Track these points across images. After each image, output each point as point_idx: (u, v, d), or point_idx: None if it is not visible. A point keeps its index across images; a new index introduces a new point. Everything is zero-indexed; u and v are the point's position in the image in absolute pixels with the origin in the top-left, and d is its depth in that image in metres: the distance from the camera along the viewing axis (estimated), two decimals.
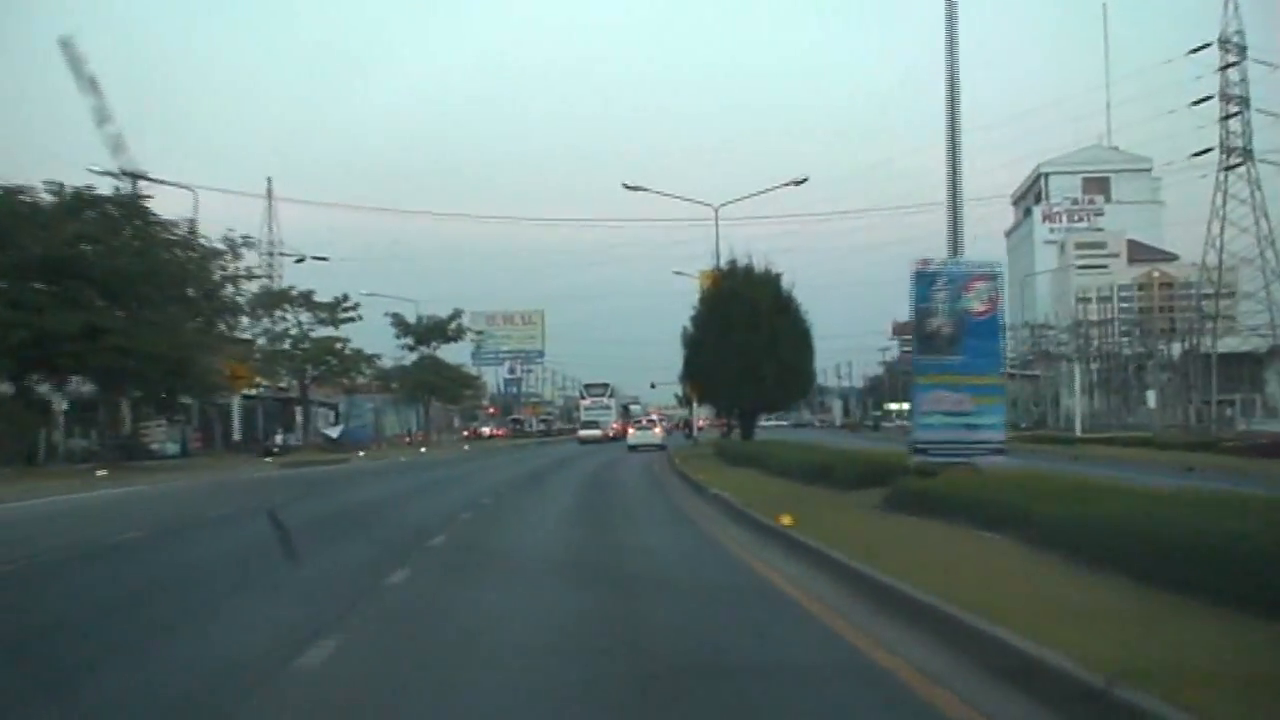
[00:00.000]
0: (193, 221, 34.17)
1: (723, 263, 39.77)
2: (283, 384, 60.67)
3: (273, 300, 53.89)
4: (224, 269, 36.57)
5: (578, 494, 25.08)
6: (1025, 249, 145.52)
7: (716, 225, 45.89)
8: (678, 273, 65.48)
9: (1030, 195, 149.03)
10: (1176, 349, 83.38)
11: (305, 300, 57.38)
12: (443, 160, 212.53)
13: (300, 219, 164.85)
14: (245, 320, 38.77)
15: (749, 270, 38.78)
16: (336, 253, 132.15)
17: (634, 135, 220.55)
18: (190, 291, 33.69)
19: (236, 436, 43.10)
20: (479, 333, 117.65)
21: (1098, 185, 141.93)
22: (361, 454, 49.93)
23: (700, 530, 16.16)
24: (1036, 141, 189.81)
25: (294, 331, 56.91)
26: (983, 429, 16.83)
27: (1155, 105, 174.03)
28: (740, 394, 37.65)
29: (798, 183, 46.24)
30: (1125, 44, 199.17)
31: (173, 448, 56.38)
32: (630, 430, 64.19)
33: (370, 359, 61.04)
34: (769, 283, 38.58)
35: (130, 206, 31.66)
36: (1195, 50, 77.79)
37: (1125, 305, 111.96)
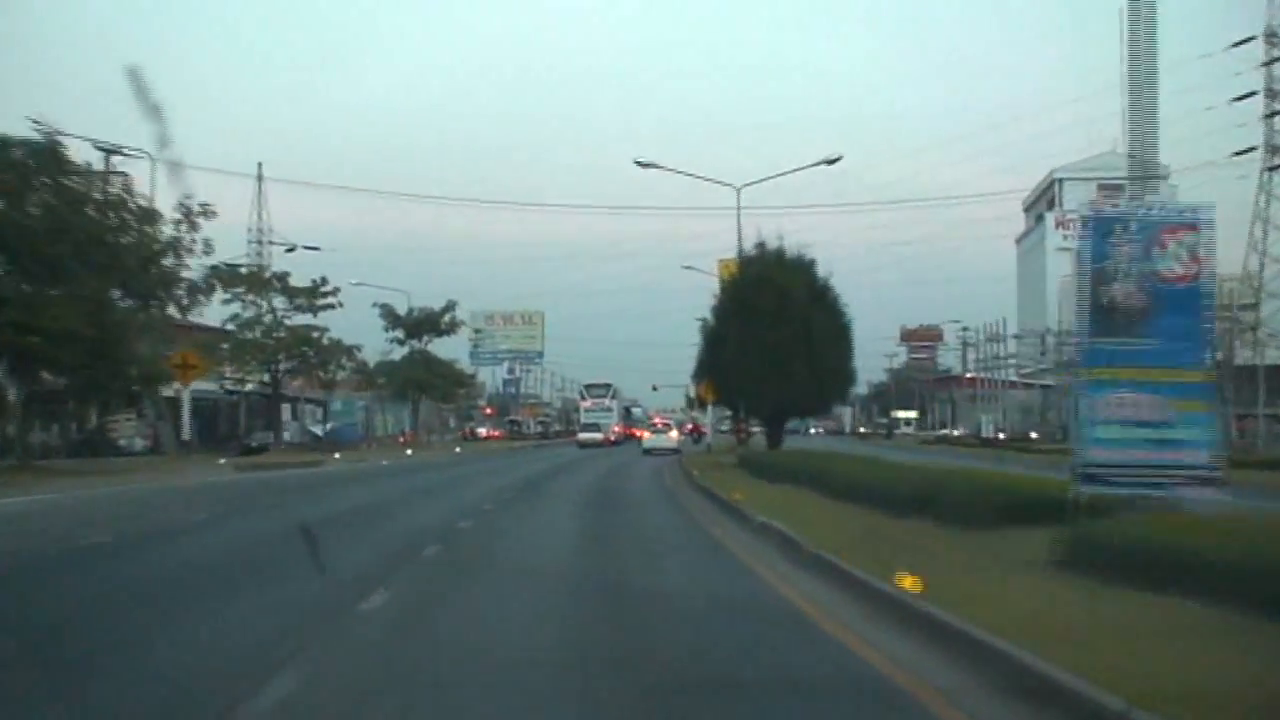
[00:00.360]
0: (126, 176, 28.45)
1: (749, 246, 34.15)
2: (265, 377, 54.83)
3: (245, 280, 47.43)
4: (178, 239, 30.68)
5: (581, 515, 19.57)
6: (1037, 256, 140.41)
7: (738, 208, 40.20)
8: (687, 267, 59.67)
9: (1043, 201, 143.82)
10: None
11: (281, 283, 51.26)
12: (446, 152, 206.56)
13: (296, 214, 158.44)
14: (203, 300, 32.83)
15: (779, 254, 33.21)
16: (332, 245, 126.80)
17: (650, 124, 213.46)
18: (128, 262, 27.87)
19: (186, 435, 37.50)
20: (477, 331, 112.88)
21: (1113, 192, 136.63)
22: (338, 455, 44.07)
23: (778, 599, 10.49)
24: (1047, 144, 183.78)
25: (266, 318, 50.51)
26: (1185, 446, 11.29)
27: (1171, 109, 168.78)
28: (767, 395, 32.00)
29: (830, 162, 40.61)
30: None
31: (141, 444, 50.84)
32: (645, 434, 62.39)
33: (351, 350, 54.70)
34: (802, 269, 33.05)
35: (44, 155, 25.88)
36: (1239, 44, 72.44)
37: None
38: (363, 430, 76.60)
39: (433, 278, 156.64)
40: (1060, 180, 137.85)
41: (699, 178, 45.20)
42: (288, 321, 49.41)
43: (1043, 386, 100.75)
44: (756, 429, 45.66)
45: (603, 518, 19.35)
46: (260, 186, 75.42)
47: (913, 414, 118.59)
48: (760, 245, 33.47)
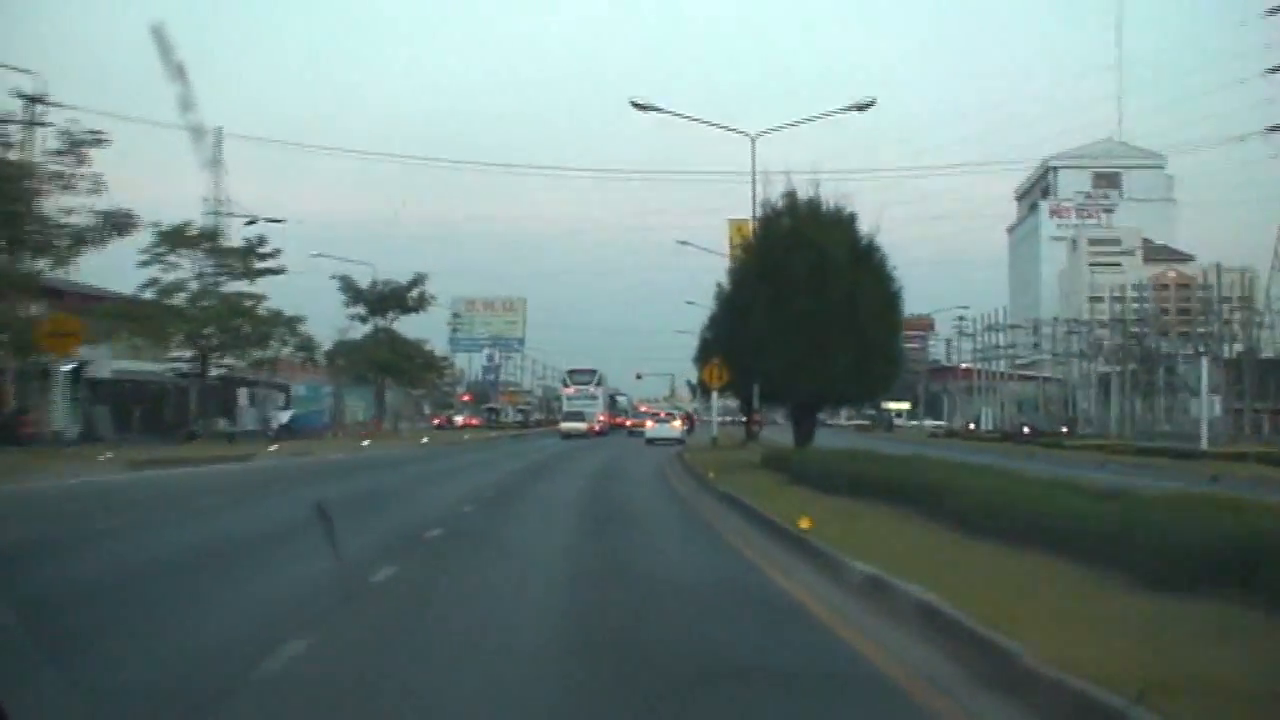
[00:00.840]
0: None
1: (776, 197, 26.92)
2: (236, 359, 46.54)
3: (166, 236, 38.68)
4: (61, 176, 23.21)
5: (575, 552, 12.54)
6: (1030, 245, 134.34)
7: (753, 160, 33.27)
8: (682, 243, 52.36)
9: (1036, 190, 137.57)
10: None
11: (210, 243, 42.04)
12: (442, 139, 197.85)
13: (263, 193, 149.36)
14: (91, 250, 25.20)
15: (814, 206, 26.13)
16: (305, 227, 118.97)
17: (655, 69, 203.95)
18: None
19: (58, 425, 29.99)
20: (456, 315, 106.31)
21: (1108, 181, 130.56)
22: (274, 448, 36.38)
23: None
24: (1040, 129, 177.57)
25: (193, 284, 41.07)
26: None
27: (1167, 93, 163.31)
28: (801, 380, 24.86)
29: (862, 107, 33.65)
30: (1135, 29, 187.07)
31: (73, 430, 43.33)
32: (648, 424, 59.33)
33: (292, 322, 45.09)
34: (841, 224, 26.00)
35: None
36: (1274, 11, 66.08)
37: (1144, 306, 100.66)
38: (329, 418, 69.33)
39: (412, 261, 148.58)
40: (1055, 169, 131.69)
41: (707, 123, 37.96)
42: (219, 288, 40.84)
43: (1044, 379, 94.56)
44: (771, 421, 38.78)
45: (605, 558, 12.20)
46: (219, 152, 67.56)
47: (904, 405, 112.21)
48: (790, 195, 26.33)
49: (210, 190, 59.24)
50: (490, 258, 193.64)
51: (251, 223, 50.06)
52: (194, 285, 40.34)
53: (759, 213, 28.14)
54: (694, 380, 56.14)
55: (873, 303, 25.05)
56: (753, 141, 33.84)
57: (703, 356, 35.77)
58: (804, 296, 24.34)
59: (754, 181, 32.01)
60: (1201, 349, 65.00)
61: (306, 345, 46.06)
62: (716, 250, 46.24)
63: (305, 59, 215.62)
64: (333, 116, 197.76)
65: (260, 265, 42.05)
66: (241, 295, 41.30)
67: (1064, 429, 65.37)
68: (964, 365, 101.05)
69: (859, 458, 18.66)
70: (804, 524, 12.83)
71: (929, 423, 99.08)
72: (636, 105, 34.04)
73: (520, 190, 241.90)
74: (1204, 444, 38.35)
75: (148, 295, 39.04)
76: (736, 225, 35.41)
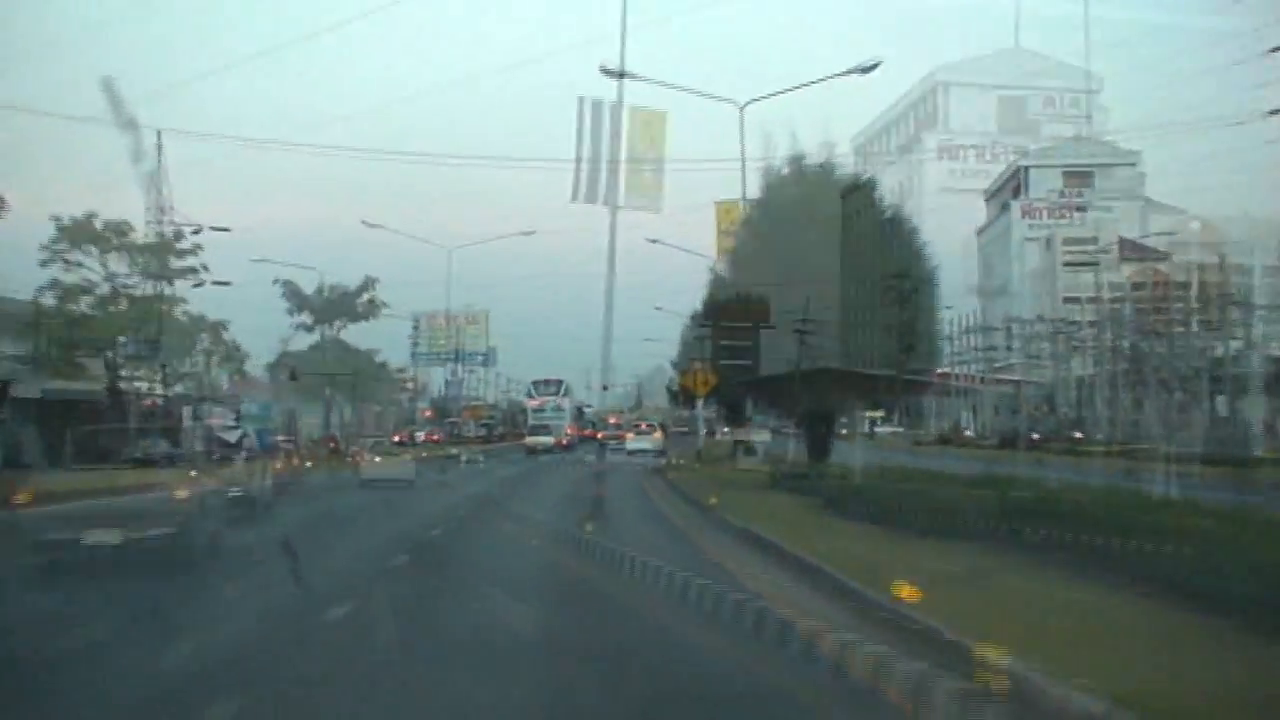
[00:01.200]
0: None
1: (779, 162, 22.27)
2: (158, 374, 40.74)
3: (67, 231, 32.83)
4: None
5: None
6: (1001, 246, 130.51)
7: (742, 132, 28.61)
8: (653, 241, 47.34)
9: (1007, 190, 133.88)
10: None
11: (119, 237, 35.09)
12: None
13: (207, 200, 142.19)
14: None
15: (828, 171, 21.52)
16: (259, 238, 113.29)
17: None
18: None
19: None
20: (415, 328, 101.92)
21: (1080, 179, 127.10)
22: (194, 473, 30.84)
23: None
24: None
25: (102, 288, 34.76)
26: None
27: (1140, 82, 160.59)
28: (818, 380, 20.13)
29: (865, 70, 29.06)
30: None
31: None
32: (629, 435, 57.03)
33: (218, 327, 39.00)
34: (861, 192, 21.41)
35: None
36: None
37: (1133, 305, 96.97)
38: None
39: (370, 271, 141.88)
40: (1026, 168, 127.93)
41: (691, 91, 33.12)
42: (132, 292, 34.77)
43: (1023, 382, 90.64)
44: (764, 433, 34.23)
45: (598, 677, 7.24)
46: (160, 158, 61.98)
47: (879, 413, 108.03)
48: (797, 161, 21.69)
49: (152, 198, 53.86)
50: (451, 266, 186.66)
51: (196, 232, 44.89)
52: (103, 288, 34.63)
53: (761, 183, 23.46)
54: (673, 386, 51.22)
55: (902, 283, 20.45)
56: (741, 111, 29.22)
57: (686, 360, 31.04)
58: (820, 279, 19.72)
59: (743, 154, 27.37)
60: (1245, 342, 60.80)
61: (232, 355, 40.24)
62: (694, 250, 41.64)
63: (258, 57, 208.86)
64: (286, 121, 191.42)
65: (180, 264, 36.19)
66: (153, 298, 35.45)
67: (1078, 434, 60.81)
68: (940, 370, 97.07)
69: (932, 479, 13.92)
70: (905, 593, 8.17)
71: (893, 429, 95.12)
72: (607, 72, 29.28)
73: (484, 192, 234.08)
74: (1260, 450, 34.05)
75: (47, 300, 33.21)
76: (725, 208, 30.76)
